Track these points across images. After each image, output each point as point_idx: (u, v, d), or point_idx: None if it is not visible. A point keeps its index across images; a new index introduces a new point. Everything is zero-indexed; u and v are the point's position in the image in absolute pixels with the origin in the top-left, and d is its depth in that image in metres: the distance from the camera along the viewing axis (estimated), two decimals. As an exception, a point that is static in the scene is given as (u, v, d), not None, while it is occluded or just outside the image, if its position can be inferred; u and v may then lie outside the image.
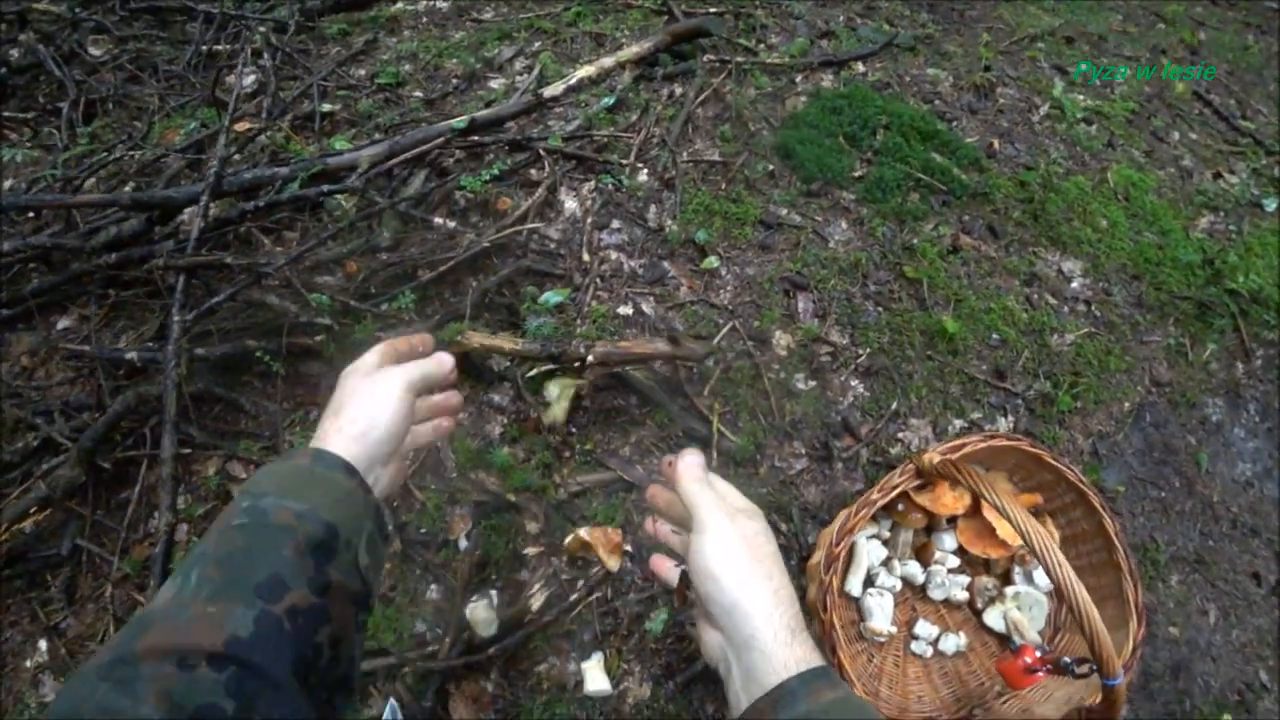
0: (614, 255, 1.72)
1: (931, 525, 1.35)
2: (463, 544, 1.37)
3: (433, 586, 1.35)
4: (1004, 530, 1.27)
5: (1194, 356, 1.73)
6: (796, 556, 1.38)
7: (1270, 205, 2.08)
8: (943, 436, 1.52)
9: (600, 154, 1.88)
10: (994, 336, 1.65)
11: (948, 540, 1.33)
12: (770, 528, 0.70)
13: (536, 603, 1.31)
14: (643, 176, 1.87)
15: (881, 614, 1.28)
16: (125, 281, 1.63)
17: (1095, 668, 0.89)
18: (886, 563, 1.33)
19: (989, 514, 1.29)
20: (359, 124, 2.01)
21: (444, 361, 0.82)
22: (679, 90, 2.08)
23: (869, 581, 1.32)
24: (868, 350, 1.60)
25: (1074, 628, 1.29)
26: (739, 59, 2.19)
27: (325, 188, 1.64)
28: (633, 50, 2.11)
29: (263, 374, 1.52)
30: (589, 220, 1.76)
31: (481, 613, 1.28)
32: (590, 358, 1.36)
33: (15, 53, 2.23)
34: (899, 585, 1.31)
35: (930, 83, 2.20)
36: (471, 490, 1.41)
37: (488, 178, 1.73)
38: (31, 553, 1.36)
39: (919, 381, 1.57)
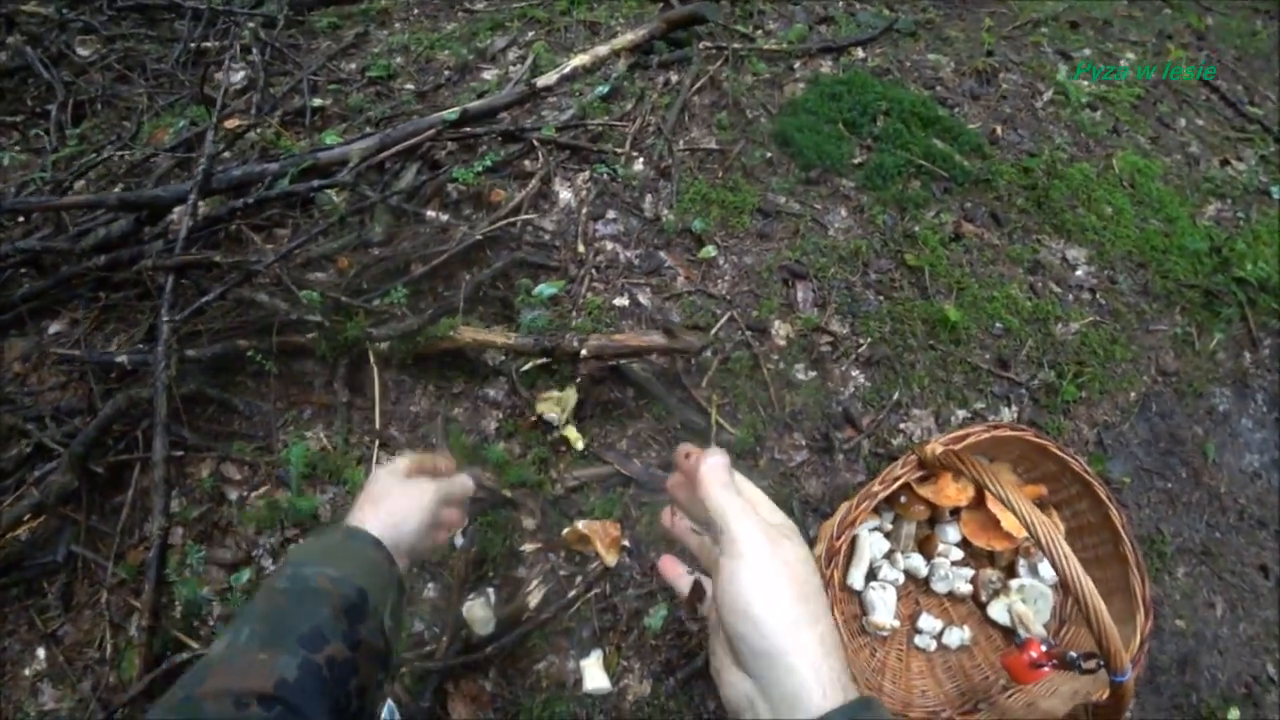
0: (609, 246, 1.70)
1: (934, 517, 1.33)
2: (459, 541, 1.35)
3: (429, 585, 1.33)
4: (1008, 522, 1.25)
5: (1201, 346, 1.70)
6: (797, 550, 1.35)
7: (1278, 193, 2.05)
8: (945, 427, 1.50)
9: (595, 144, 1.86)
10: (997, 325, 1.63)
11: (951, 532, 1.31)
12: (808, 547, 0.64)
13: (534, 600, 1.29)
14: (638, 166, 1.84)
15: (884, 608, 1.26)
16: (115, 283, 1.61)
17: (1102, 663, 0.87)
18: (889, 555, 1.31)
19: (993, 506, 1.27)
20: (350, 118, 1.98)
21: (467, 485, 0.98)
22: (675, 78, 2.05)
23: (871, 575, 1.30)
24: (869, 340, 1.58)
25: (1080, 621, 1.26)
26: (736, 45, 2.16)
27: (315, 183, 1.62)
28: (627, 38, 2.08)
29: (255, 373, 1.50)
30: (584, 211, 1.74)
31: (479, 611, 1.27)
32: (584, 352, 1.34)
33: (3, 55, 2.20)
34: (902, 579, 1.29)
35: (931, 68, 2.16)
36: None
37: (480, 169, 1.71)
38: (27, 560, 1.34)
39: (921, 371, 1.55)
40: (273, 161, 1.71)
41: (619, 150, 1.85)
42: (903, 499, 1.28)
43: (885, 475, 1.09)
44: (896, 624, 1.26)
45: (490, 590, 1.29)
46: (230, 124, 1.95)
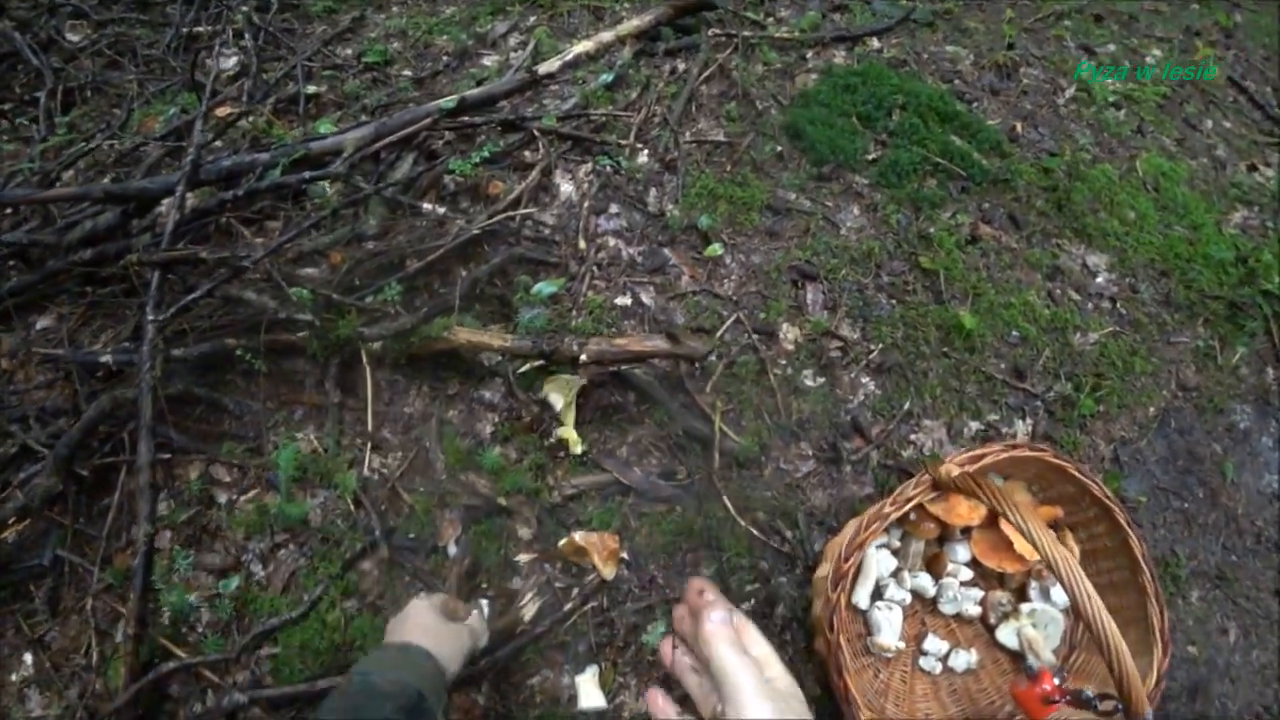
0: (612, 242, 1.64)
1: (944, 535, 1.28)
2: (452, 550, 1.31)
3: (422, 594, 1.29)
4: (1021, 544, 1.20)
5: (1223, 360, 1.64)
6: (801, 565, 1.31)
7: (1308, 202, 1.98)
8: (957, 439, 1.45)
9: (598, 134, 1.79)
10: (1013, 333, 1.57)
11: (961, 552, 1.27)
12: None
13: (529, 612, 1.25)
14: (643, 158, 1.78)
15: (890, 629, 1.21)
16: (103, 278, 1.56)
17: (1120, 706, 0.82)
18: (896, 574, 1.26)
19: (1006, 526, 1.22)
20: (345, 106, 1.92)
21: (485, 635, 1.14)
22: (682, 66, 1.98)
23: (877, 594, 1.26)
24: (880, 346, 1.52)
25: (1091, 647, 1.22)
26: (746, 33, 2.08)
27: (307, 174, 1.56)
28: (633, 24, 2.01)
29: (246, 372, 1.45)
30: (586, 205, 1.68)
31: (472, 623, 1.22)
32: (583, 356, 1.28)
33: (-9, 42, 2.14)
34: (909, 599, 1.25)
35: (949, 61, 2.09)
36: (461, 493, 1.35)
37: (478, 160, 1.64)
38: (14, 563, 1.31)
39: (934, 380, 1.49)
40: (264, 151, 1.65)
41: (623, 141, 1.78)
42: (912, 516, 1.24)
43: (897, 495, 1.05)
44: (901, 646, 1.21)
45: (484, 602, 1.25)
46: (221, 112, 1.90)
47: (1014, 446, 1.09)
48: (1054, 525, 1.26)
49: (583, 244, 1.62)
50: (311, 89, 1.96)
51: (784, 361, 1.50)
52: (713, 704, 0.64)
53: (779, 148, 1.81)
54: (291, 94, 1.95)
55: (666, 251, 1.63)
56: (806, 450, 1.41)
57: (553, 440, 1.38)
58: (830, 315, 1.55)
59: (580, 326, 1.48)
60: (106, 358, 1.41)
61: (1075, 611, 0.80)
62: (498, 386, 1.44)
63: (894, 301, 1.58)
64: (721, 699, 0.62)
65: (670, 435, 1.40)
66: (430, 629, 0.99)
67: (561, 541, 1.27)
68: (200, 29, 2.16)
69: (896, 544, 1.28)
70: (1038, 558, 1.17)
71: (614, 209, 1.69)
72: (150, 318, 1.35)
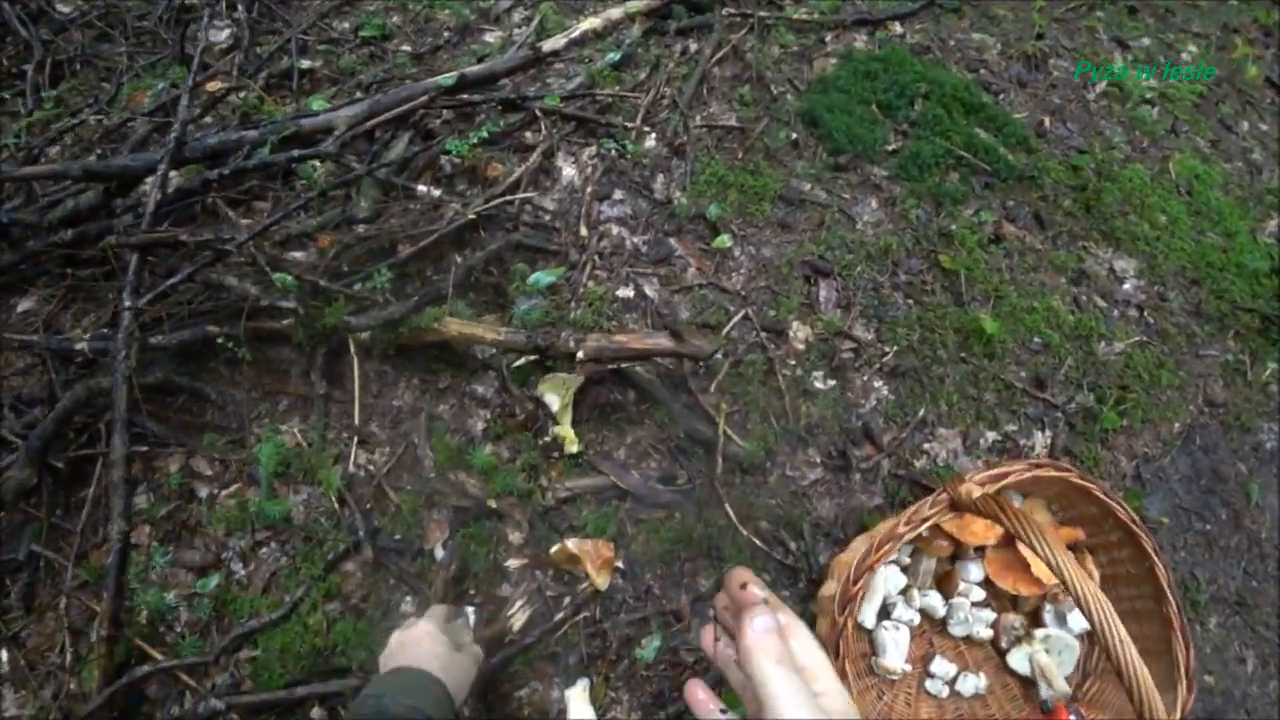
0: (615, 230, 1.56)
1: (957, 553, 1.21)
2: (439, 554, 1.25)
3: (407, 599, 1.23)
4: (1039, 567, 1.14)
5: (1253, 376, 1.56)
6: (805, 579, 1.25)
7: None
8: (973, 449, 1.38)
9: (603, 116, 1.71)
10: (1035, 340, 1.49)
11: (974, 570, 1.20)
12: None
13: (518, 621, 1.20)
14: (650, 142, 1.70)
15: (896, 650, 1.15)
16: (84, 260, 1.49)
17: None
18: (905, 592, 1.20)
19: (1024, 547, 1.15)
20: (340, 82, 1.83)
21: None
22: (694, 46, 1.89)
23: (884, 612, 1.19)
24: (895, 348, 1.45)
25: (1106, 675, 1.17)
26: (762, 13, 1.98)
27: (296, 153, 1.48)
28: (643, 1, 1.91)
29: (229, 360, 1.39)
30: (588, 190, 1.60)
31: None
32: (580, 354, 1.21)
33: (-22, 13, 2.06)
34: (917, 619, 1.18)
35: (976, 49, 1.99)
36: (450, 493, 1.29)
37: (476, 141, 1.56)
38: (-12, 557, 1.26)
39: (950, 387, 1.42)
40: (253, 129, 1.57)
41: (629, 124, 1.70)
42: (924, 532, 1.17)
43: (912, 515, 0.98)
44: (907, 668, 1.15)
45: (471, 610, 1.19)
46: (212, 86, 1.81)
47: (1038, 465, 1.02)
48: (1074, 547, 1.19)
49: (584, 231, 1.54)
50: (306, 64, 1.88)
51: (793, 362, 1.42)
52: (756, 708, 0.58)
53: (794, 135, 1.72)
54: (285, 69, 1.86)
55: (672, 242, 1.55)
56: (814, 457, 1.34)
57: (547, 439, 1.31)
58: (844, 314, 1.48)
59: (579, 319, 1.40)
60: (82, 345, 1.35)
61: (1099, 644, 0.73)
62: (491, 381, 1.38)
63: (911, 302, 1.51)
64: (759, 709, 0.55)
65: (671, 437, 1.33)
66: (442, 657, 0.97)
67: (554, 549, 1.21)
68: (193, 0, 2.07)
69: (906, 560, 1.22)
70: (1055, 581, 1.11)
71: (618, 195, 1.61)
72: (126, 304, 1.28)
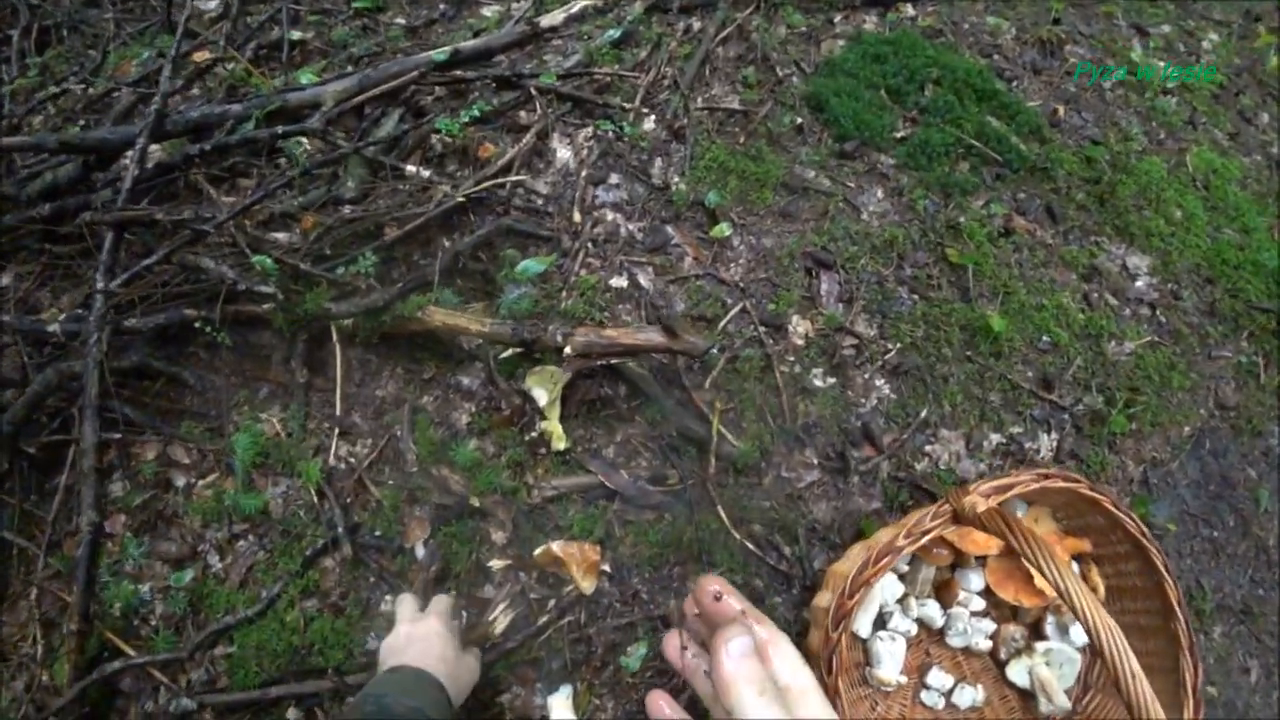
0: (610, 216, 1.50)
1: (958, 560, 1.17)
2: (420, 552, 1.21)
3: (387, 597, 1.20)
4: (1042, 579, 1.09)
5: (1266, 379, 1.51)
6: (799, 585, 1.21)
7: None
8: (976, 452, 1.33)
9: (601, 96, 1.64)
10: (1044, 339, 1.43)
11: (974, 580, 1.16)
12: None
13: (501, 625, 1.15)
14: (649, 124, 1.63)
15: (891, 661, 1.11)
16: (62, 236, 1.43)
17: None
18: (902, 600, 1.16)
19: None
20: (331, 55, 1.76)
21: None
22: (697, 25, 1.81)
23: (880, 622, 1.15)
24: (898, 345, 1.39)
25: (1106, 689, 1.13)
26: (769, -9, 1.91)
27: (281, 129, 1.42)
28: (647, -25, 1.84)
29: (209, 344, 1.34)
30: (583, 173, 1.53)
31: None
32: (568, 349, 1.16)
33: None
34: (914, 629, 1.14)
35: (990, 33, 1.91)
36: (433, 489, 1.25)
37: (468, 119, 1.50)
38: (-43, 545, 1.22)
39: (954, 386, 1.37)
40: (238, 102, 1.51)
41: (628, 105, 1.63)
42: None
43: (913, 527, 0.93)
44: (903, 680, 1.12)
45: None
46: (199, 57, 1.75)
47: (1046, 475, 0.97)
48: (1080, 558, 1.15)
49: (578, 217, 1.48)
50: (296, 35, 1.81)
51: (792, 358, 1.37)
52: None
53: (799, 120, 1.66)
54: (275, 39, 1.80)
55: (669, 229, 1.50)
56: (811, 458, 1.29)
57: (534, 435, 1.26)
58: (846, 309, 1.42)
59: (570, 309, 1.35)
60: (54, 327, 1.30)
61: (1126, 702, 0.69)
62: (477, 372, 1.33)
63: (916, 297, 1.45)
64: None
65: (663, 435, 1.28)
66: (448, 660, 0.96)
67: (538, 550, 1.16)
68: (184, -37, 1.99)
69: (904, 568, 1.17)
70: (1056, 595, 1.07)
71: (614, 179, 1.55)
72: (100, 286, 1.23)
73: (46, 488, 1.27)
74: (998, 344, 1.39)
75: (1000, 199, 1.59)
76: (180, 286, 1.33)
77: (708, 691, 0.60)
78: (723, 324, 1.39)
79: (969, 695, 1.14)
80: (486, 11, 1.86)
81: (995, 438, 1.34)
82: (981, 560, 1.16)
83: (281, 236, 1.39)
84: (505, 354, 1.30)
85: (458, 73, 1.61)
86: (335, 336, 1.34)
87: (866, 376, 1.37)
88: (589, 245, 1.46)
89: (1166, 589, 1.00)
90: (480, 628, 1.14)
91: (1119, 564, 1.10)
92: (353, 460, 1.28)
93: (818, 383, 1.36)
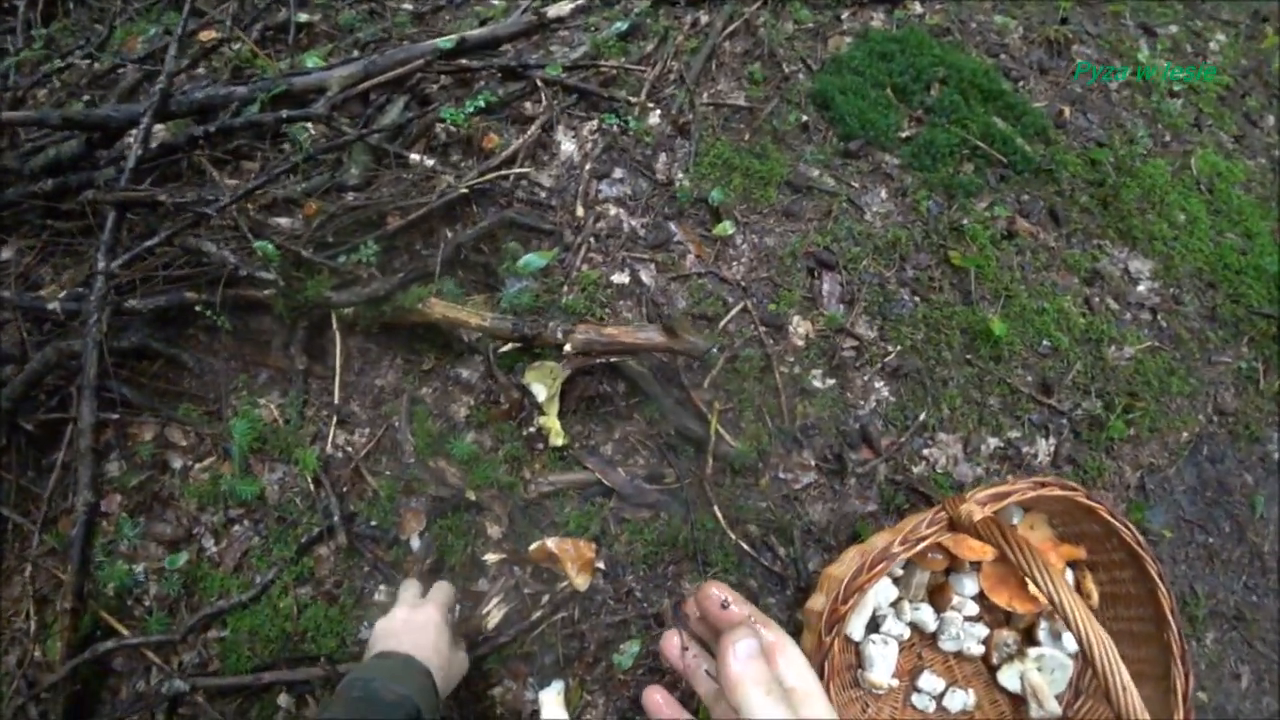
0: (613, 211, 1.50)
1: (952, 565, 1.17)
2: (415, 544, 1.21)
3: (381, 587, 1.20)
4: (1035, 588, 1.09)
5: (1265, 385, 1.50)
6: (793, 586, 1.21)
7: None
8: (973, 456, 1.33)
9: (606, 89, 1.63)
10: (1044, 343, 1.43)
11: (968, 584, 1.16)
12: None
13: (494, 619, 1.16)
14: (654, 119, 1.62)
15: (883, 665, 1.12)
16: (64, 212, 1.43)
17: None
18: (896, 604, 1.16)
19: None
20: (338, 39, 1.75)
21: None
22: (705, 19, 1.80)
23: (873, 624, 1.15)
24: (898, 348, 1.39)
25: (1098, 695, 1.13)
26: (778, -14, 1.89)
27: (286, 113, 1.41)
28: (656, -33, 1.82)
29: (209, 328, 1.33)
30: (587, 167, 1.53)
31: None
32: (568, 346, 1.16)
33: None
34: (907, 634, 1.15)
35: (997, 32, 1.90)
36: (429, 481, 1.24)
37: (473, 109, 1.49)
38: (-47, 518, 1.22)
39: (954, 390, 1.37)
40: (243, 84, 1.50)
41: (633, 99, 1.62)
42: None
43: (908, 534, 0.93)
44: (894, 684, 1.12)
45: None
46: (205, 36, 1.74)
47: (1042, 484, 0.97)
48: (1074, 565, 1.15)
49: (580, 211, 1.48)
50: (304, 17, 1.79)
51: (792, 359, 1.37)
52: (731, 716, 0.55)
53: (804, 117, 1.65)
54: (281, 21, 1.78)
55: (672, 226, 1.49)
56: (809, 459, 1.29)
57: (532, 430, 1.26)
58: (847, 310, 1.42)
59: (571, 305, 1.35)
60: (54, 305, 1.29)
61: (1117, 714, 0.69)
62: (476, 365, 1.32)
63: (917, 299, 1.45)
64: None
65: (661, 434, 1.28)
66: (442, 652, 0.96)
67: (533, 546, 1.16)
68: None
69: (899, 572, 1.17)
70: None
71: (618, 174, 1.54)
72: (101, 266, 1.23)
73: (43, 464, 1.28)
74: (998, 348, 1.39)
75: (1004, 201, 1.58)
76: (181, 269, 1.33)
77: (708, 691, 0.61)
78: (723, 323, 1.39)
79: (960, 699, 1.15)
80: None
81: (993, 442, 1.34)
82: (976, 565, 1.16)
83: (284, 222, 1.38)
84: (505, 348, 1.29)
85: (463, 62, 1.60)
86: (335, 324, 1.34)
87: (866, 378, 1.37)
88: (591, 240, 1.45)
89: (1160, 597, 1.00)
90: (473, 621, 1.15)
91: (1114, 571, 1.11)
92: (350, 449, 1.28)
93: (817, 384, 1.36)
